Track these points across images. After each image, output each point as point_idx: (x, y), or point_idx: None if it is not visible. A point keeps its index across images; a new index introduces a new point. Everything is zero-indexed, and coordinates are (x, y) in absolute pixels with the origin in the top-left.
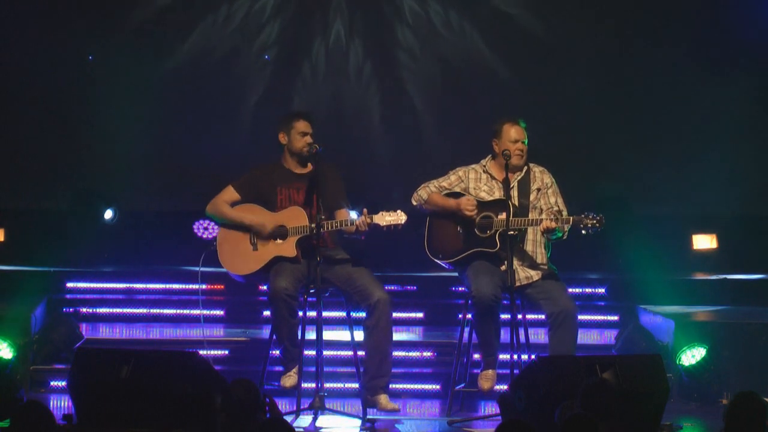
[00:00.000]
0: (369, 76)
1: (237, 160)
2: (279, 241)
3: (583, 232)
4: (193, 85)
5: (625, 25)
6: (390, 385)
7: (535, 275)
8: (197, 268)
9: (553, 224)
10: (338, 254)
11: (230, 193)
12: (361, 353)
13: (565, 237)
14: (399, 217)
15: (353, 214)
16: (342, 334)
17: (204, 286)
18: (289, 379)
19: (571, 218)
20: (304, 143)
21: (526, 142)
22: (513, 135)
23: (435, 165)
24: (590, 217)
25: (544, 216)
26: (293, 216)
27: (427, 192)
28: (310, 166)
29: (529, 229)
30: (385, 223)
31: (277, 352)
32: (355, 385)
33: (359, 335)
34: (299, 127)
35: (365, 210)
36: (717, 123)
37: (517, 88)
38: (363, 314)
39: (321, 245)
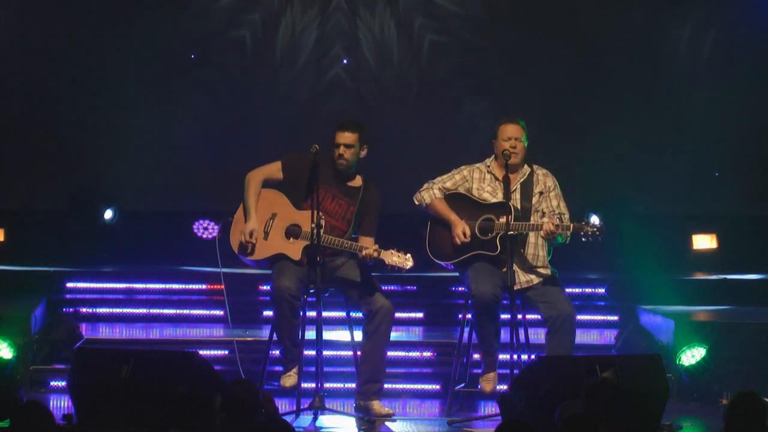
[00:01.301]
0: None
1: (238, 160)
2: (291, 239)
3: (583, 239)
4: (194, 84)
5: (626, 26)
6: (390, 386)
7: (535, 279)
8: (218, 269)
9: (553, 228)
10: (344, 259)
11: (274, 171)
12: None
13: (567, 242)
14: (405, 262)
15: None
16: (342, 334)
17: (204, 286)
18: (289, 379)
19: (572, 225)
20: (336, 154)
21: (526, 142)
22: (506, 133)
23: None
24: (590, 225)
25: (546, 220)
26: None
27: (430, 196)
28: (359, 181)
29: (531, 233)
30: (390, 262)
31: (277, 352)
32: (355, 385)
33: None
34: (336, 138)
35: (377, 245)
36: (717, 123)
37: (516, 86)
38: (360, 314)
39: (328, 253)
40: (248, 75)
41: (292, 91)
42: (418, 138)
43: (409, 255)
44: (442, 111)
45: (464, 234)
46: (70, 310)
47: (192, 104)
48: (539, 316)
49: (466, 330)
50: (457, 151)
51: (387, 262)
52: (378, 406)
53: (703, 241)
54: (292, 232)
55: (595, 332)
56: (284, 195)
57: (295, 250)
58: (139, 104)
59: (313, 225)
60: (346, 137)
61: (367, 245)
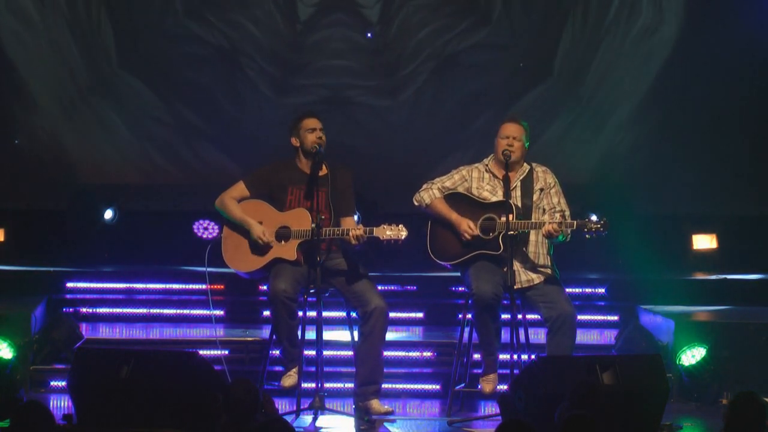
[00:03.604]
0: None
1: (238, 160)
2: (282, 242)
3: (587, 236)
4: (195, 84)
5: (628, 27)
6: (390, 386)
7: (536, 278)
8: (203, 269)
9: (556, 227)
10: (338, 258)
11: (240, 190)
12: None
13: (568, 239)
14: (400, 233)
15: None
16: (342, 334)
17: (204, 286)
18: (289, 379)
19: (575, 222)
20: (313, 138)
21: (527, 143)
22: (505, 131)
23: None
24: (594, 221)
25: (547, 218)
26: (298, 218)
27: (430, 196)
28: (324, 168)
29: (532, 231)
30: (384, 237)
31: (277, 352)
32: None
33: None
34: (307, 124)
35: (360, 225)
36: (717, 123)
37: (518, 86)
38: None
39: (323, 248)
40: (250, 74)
41: (293, 92)
42: (420, 138)
43: (401, 225)
44: (442, 111)
45: (470, 228)
46: (70, 310)
47: (192, 104)
48: (539, 316)
49: (466, 330)
50: (457, 151)
51: (382, 238)
52: (377, 404)
53: (703, 241)
54: (283, 234)
55: (595, 332)
56: (264, 203)
57: (289, 251)
58: (140, 104)
59: (313, 225)
60: (318, 122)
61: (349, 226)
